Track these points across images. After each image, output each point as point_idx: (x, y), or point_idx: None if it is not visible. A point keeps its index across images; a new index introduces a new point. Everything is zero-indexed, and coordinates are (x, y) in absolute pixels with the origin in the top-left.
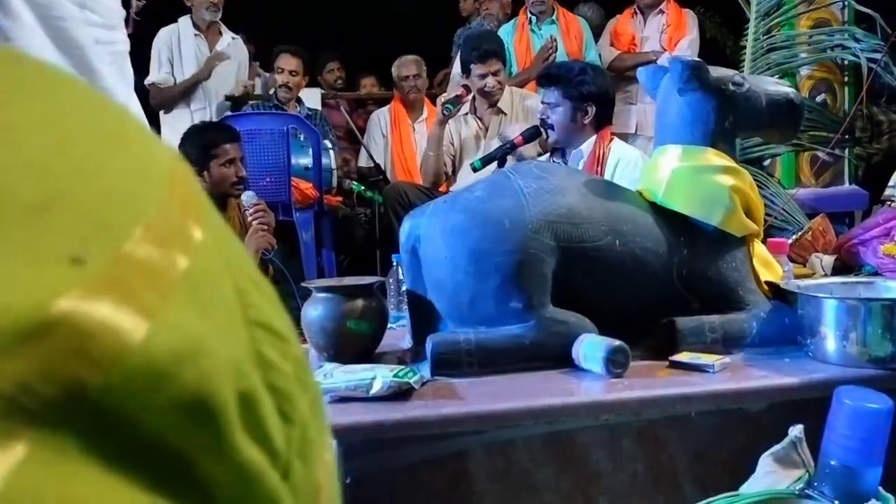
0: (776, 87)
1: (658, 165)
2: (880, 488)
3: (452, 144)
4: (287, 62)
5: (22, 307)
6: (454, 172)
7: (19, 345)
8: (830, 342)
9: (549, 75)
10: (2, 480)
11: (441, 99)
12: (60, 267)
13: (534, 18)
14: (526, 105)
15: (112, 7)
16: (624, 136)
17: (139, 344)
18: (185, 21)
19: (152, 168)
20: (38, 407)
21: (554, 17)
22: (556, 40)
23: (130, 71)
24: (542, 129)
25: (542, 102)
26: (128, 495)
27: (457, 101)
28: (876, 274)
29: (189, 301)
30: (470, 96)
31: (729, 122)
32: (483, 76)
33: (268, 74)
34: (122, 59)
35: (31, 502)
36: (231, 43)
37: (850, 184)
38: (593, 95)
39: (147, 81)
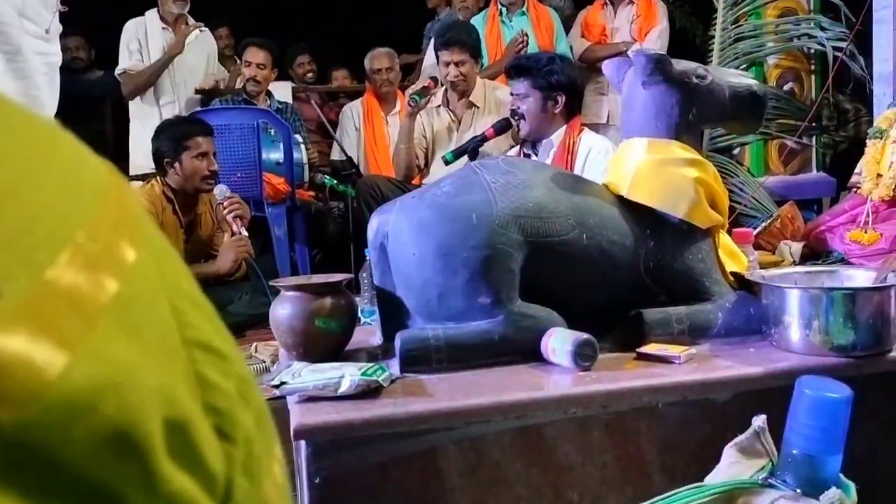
0: (739, 79)
1: (623, 158)
2: (841, 475)
3: (425, 137)
4: (255, 55)
5: None
6: (427, 165)
7: None
8: (794, 331)
9: (518, 66)
10: None
11: (409, 91)
12: None
13: (504, 10)
14: (497, 97)
15: (47, 17)
16: (596, 126)
17: (56, 378)
18: (152, 14)
19: (84, 188)
20: None
21: (524, 9)
22: (526, 34)
23: (58, 84)
24: (512, 121)
25: (512, 94)
26: None
27: (424, 93)
28: (843, 260)
29: (117, 327)
30: (439, 88)
31: (693, 114)
32: (447, 64)
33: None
34: (53, 71)
35: None
36: (199, 35)
37: (818, 171)
38: (562, 84)
39: (117, 71)
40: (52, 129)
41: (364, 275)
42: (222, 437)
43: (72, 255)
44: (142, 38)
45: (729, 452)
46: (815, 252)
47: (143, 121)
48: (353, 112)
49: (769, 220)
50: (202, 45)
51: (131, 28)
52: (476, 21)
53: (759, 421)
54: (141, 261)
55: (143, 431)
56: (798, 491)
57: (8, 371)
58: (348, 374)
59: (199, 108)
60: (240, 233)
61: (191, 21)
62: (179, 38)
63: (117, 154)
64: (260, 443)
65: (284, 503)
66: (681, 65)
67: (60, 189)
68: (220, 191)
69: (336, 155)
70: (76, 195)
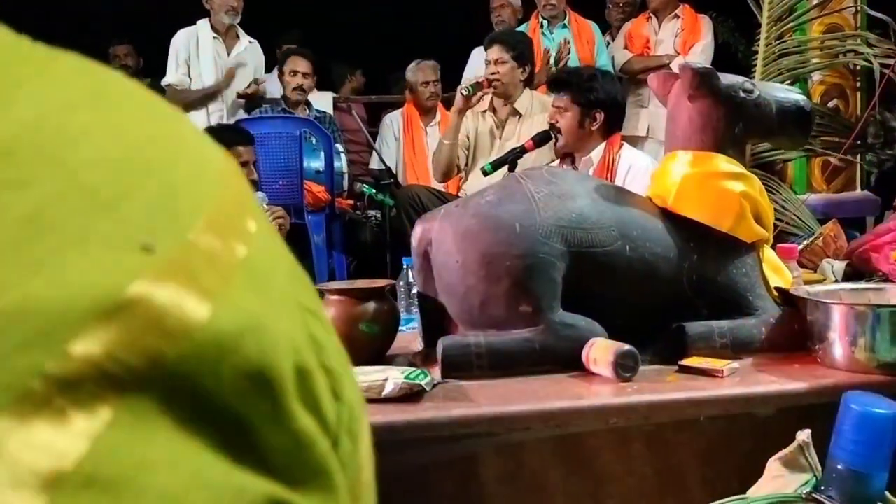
0: (786, 93)
1: (668, 171)
2: (887, 493)
3: (468, 137)
4: (299, 64)
5: (101, 287)
6: (467, 166)
7: (101, 320)
8: (839, 348)
9: (559, 80)
10: (90, 440)
11: (462, 84)
12: (133, 254)
13: (545, 22)
14: (543, 104)
15: None
16: (635, 140)
17: (205, 321)
18: (203, 24)
19: (209, 167)
20: (123, 374)
21: (566, 22)
22: (569, 43)
23: None
24: (552, 134)
25: (553, 106)
26: (197, 456)
27: (477, 87)
28: (887, 280)
29: (248, 284)
30: (489, 90)
31: (739, 128)
32: (487, 63)
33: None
34: None
35: (115, 461)
36: (248, 47)
37: (862, 189)
38: (602, 102)
39: (164, 82)
40: (180, 116)
41: (401, 283)
42: (333, 395)
43: (206, 222)
44: (192, 49)
45: (773, 466)
46: (859, 271)
47: None
48: (392, 122)
49: (811, 239)
50: (250, 56)
51: (182, 38)
52: None
53: (804, 435)
54: (261, 232)
55: (277, 372)
56: None
57: (166, 312)
58: (392, 378)
59: (245, 117)
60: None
61: (240, 32)
62: (228, 75)
63: None
64: (360, 408)
65: (371, 471)
66: (728, 78)
67: (192, 166)
68: (259, 198)
69: (375, 164)
70: (204, 172)
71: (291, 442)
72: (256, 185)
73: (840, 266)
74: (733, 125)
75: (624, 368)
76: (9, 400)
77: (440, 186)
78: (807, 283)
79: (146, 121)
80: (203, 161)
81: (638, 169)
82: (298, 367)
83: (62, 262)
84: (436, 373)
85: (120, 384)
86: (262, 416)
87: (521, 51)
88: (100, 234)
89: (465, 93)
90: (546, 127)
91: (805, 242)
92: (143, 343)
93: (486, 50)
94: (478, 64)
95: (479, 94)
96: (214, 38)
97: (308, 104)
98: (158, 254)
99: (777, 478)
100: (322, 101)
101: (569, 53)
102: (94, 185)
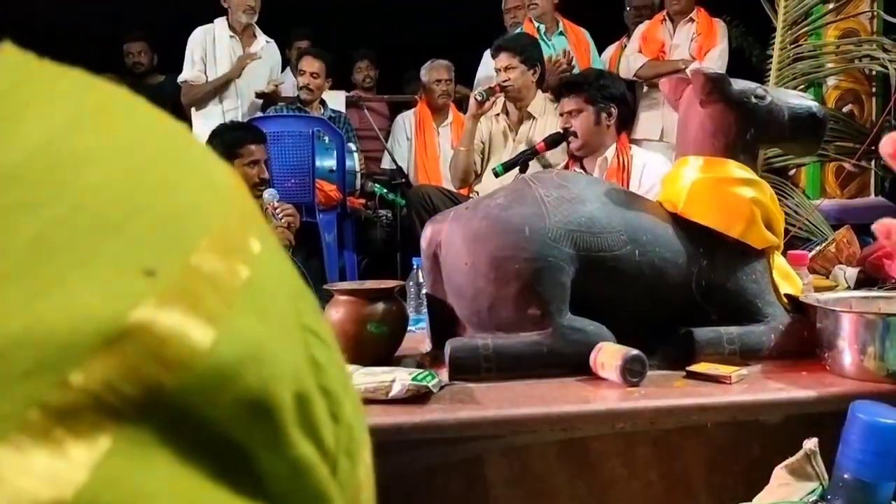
0: (799, 100)
1: (678, 176)
2: (894, 503)
3: (482, 142)
4: (310, 65)
5: (103, 316)
6: (482, 171)
7: (102, 349)
8: (848, 356)
9: (571, 83)
10: (89, 470)
11: (475, 90)
12: (135, 279)
13: (542, 27)
14: (556, 109)
15: None
16: (649, 143)
17: (207, 349)
18: (220, 22)
19: (215, 186)
20: (120, 404)
21: (561, 29)
22: (570, 53)
23: None
24: (564, 136)
25: (563, 113)
26: (195, 485)
27: (490, 92)
28: None
29: (250, 308)
30: (501, 94)
31: (750, 134)
32: (497, 71)
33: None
34: None
35: (114, 490)
36: (265, 46)
37: (876, 195)
38: (615, 97)
39: (179, 79)
40: (186, 133)
41: (410, 283)
42: (331, 417)
43: (210, 243)
44: (209, 47)
45: (779, 474)
46: (871, 278)
47: (207, 124)
48: (405, 122)
49: (824, 244)
50: (267, 55)
51: (199, 36)
52: None
53: (811, 444)
54: (264, 252)
55: (277, 400)
56: None
57: (170, 341)
58: (399, 379)
59: (259, 115)
60: (274, 217)
61: (258, 31)
62: (238, 65)
63: None
64: (357, 428)
65: (371, 487)
66: (740, 84)
67: (197, 186)
68: (270, 195)
69: (386, 163)
70: (211, 192)
71: (290, 469)
72: (267, 183)
73: (853, 272)
74: (745, 131)
75: (631, 373)
76: (7, 430)
77: (451, 187)
78: (819, 289)
79: (152, 139)
80: (209, 180)
81: (654, 166)
82: (298, 394)
83: (65, 287)
84: (443, 374)
85: (118, 413)
86: (262, 444)
87: (529, 53)
88: (103, 257)
89: (478, 98)
90: (558, 129)
91: (818, 248)
92: (142, 373)
93: (493, 58)
94: (490, 65)
95: (493, 98)
96: (231, 36)
97: (323, 103)
98: (160, 278)
99: (783, 486)
100: (335, 99)
101: (569, 63)
102: (99, 209)
